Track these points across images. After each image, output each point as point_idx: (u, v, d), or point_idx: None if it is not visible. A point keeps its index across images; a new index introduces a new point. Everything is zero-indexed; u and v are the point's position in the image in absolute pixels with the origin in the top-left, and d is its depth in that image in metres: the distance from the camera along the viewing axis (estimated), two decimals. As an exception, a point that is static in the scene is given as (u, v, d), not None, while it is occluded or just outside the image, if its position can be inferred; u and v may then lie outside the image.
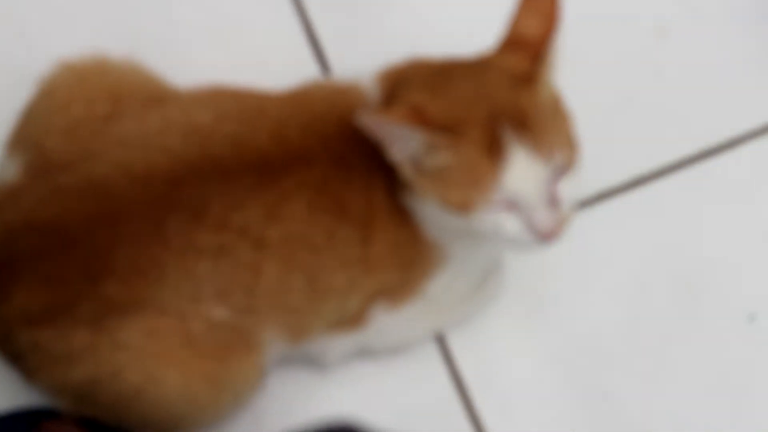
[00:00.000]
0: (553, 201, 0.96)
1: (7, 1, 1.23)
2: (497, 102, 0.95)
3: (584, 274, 1.21)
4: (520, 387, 1.18)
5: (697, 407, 1.18)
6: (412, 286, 1.07)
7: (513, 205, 0.96)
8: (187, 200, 0.97)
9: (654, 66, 1.28)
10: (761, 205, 1.25)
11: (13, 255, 0.99)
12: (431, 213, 1.00)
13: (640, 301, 1.21)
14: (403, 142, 0.95)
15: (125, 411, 1.01)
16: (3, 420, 1.10)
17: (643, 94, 1.27)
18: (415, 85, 0.99)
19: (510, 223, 0.97)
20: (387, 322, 1.09)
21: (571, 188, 0.98)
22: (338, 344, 1.10)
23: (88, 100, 1.03)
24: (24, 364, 1.02)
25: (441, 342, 1.18)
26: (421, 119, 0.94)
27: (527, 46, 0.97)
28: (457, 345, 1.18)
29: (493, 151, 0.94)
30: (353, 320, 1.08)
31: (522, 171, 0.94)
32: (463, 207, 0.96)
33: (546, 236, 0.97)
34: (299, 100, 1.04)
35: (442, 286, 1.08)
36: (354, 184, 1.01)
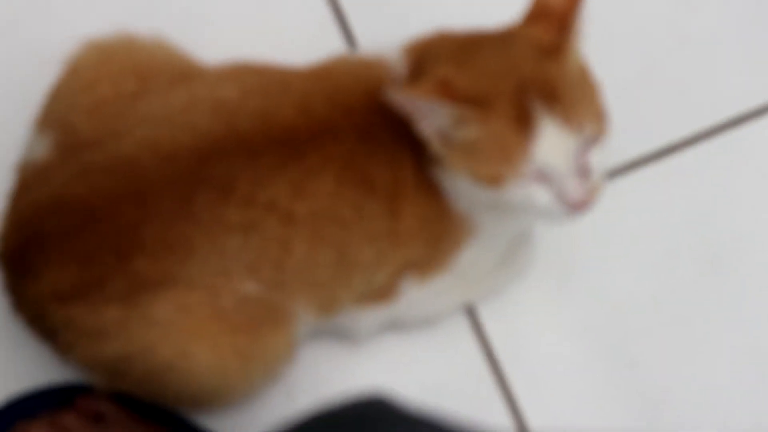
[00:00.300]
0: (583, 171, 0.96)
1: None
2: (525, 74, 0.95)
3: (612, 245, 1.21)
4: (549, 358, 1.18)
5: (724, 378, 1.18)
6: (441, 259, 1.07)
7: (544, 177, 0.96)
8: (214, 176, 0.98)
9: (680, 34, 1.27)
10: (792, 175, 1.25)
11: (42, 233, 1.00)
12: (460, 186, 1.00)
13: (669, 271, 1.21)
14: (431, 117, 0.95)
15: (158, 386, 1.02)
16: (38, 395, 1.11)
17: (670, 63, 1.26)
18: (442, 59, 0.99)
19: (541, 195, 0.97)
20: (416, 296, 1.09)
21: (601, 158, 0.97)
22: (368, 318, 1.11)
23: (115, 79, 1.03)
24: (57, 341, 1.03)
25: (471, 314, 1.19)
26: (449, 93, 0.94)
27: (553, 17, 0.97)
28: (486, 317, 1.18)
29: (523, 123, 0.94)
30: (383, 294, 1.08)
31: (552, 143, 0.94)
32: (494, 180, 0.96)
33: (577, 207, 0.97)
34: (325, 74, 1.04)
35: (470, 259, 1.08)
36: (381, 158, 1.01)
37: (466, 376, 1.18)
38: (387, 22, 1.25)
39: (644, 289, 1.20)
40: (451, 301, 1.15)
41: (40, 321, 1.03)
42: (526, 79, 0.95)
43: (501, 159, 0.95)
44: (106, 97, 1.02)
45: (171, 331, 0.99)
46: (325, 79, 1.03)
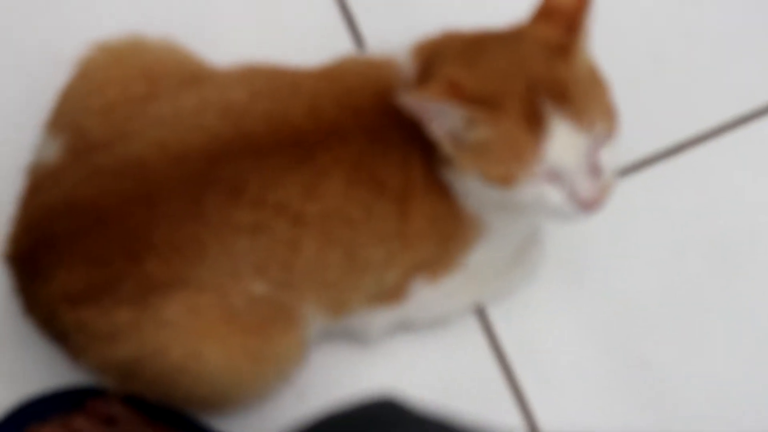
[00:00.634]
0: (594, 170, 0.96)
1: (42, -16, 1.25)
2: (534, 74, 0.95)
3: (622, 243, 1.21)
4: (559, 358, 1.18)
5: (736, 376, 1.18)
6: (451, 260, 1.07)
7: (555, 176, 0.96)
8: (224, 178, 0.98)
9: (689, 32, 1.27)
10: (802, 172, 1.24)
11: (53, 235, 1.00)
12: (471, 186, 1.00)
13: (679, 269, 1.21)
14: (442, 118, 0.95)
15: (169, 388, 1.02)
16: (50, 398, 1.11)
17: (679, 61, 1.26)
18: (450, 59, 0.99)
19: (553, 194, 0.97)
20: (427, 296, 1.09)
21: (611, 156, 0.97)
22: (379, 319, 1.11)
23: (125, 81, 1.03)
24: (69, 344, 1.03)
25: (481, 315, 1.19)
26: (458, 94, 0.94)
27: (561, 16, 0.97)
28: (497, 317, 1.18)
29: (534, 123, 0.94)
30: (393, 295, 1.08)
31: (563, 142, 0.94)
32: (506, 180, 0.96)
33: (589, 205, 0.97)
34: (334, 75, 1.04)
35: (481, 259, 1.08)
36: (390, 159, 1.01)
37: (476, 376, 1.18)
38: (395, 23, 1.25)
39: (654, 288, 1.20)
40: (461, 302, 1.15)
41: (51, 323, 1.03)
42: (536, 78, 0.95)
43: (512, 159, 0.95)
44: (116, 100, 1.02)
45: (182, 333, 0.99)
46: (334, 80, 1.03)
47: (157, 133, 0.99)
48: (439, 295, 1.10)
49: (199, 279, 0.99)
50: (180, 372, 1.00)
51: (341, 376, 1.16)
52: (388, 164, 1.01)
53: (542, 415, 1.17)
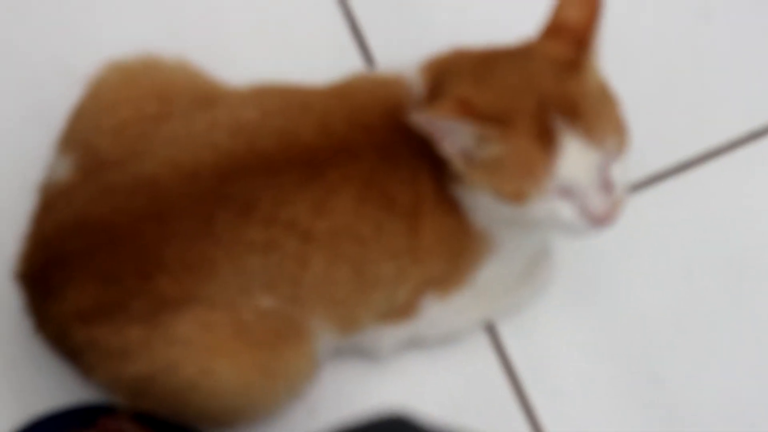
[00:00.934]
0: (606, 186, 0.97)
1: (56, 3, 1.25)
2: (545, 90, 0.95)
3: (633, 259, 1.21)
4: (570, 374, 1.18)
5: (748, 391, 1.18)
6: (461, 276, 1.07)
7: (567, 192, 0.96)
8: (236, 196, 0.98)
9: (698, 49, 1.27)
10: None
11: (65, 253, 1.00)
12: (481, 202, 1.00)
13: (690, 284, 1.21)
14: (453, 136, 0.95)
15: (181, 404, 1.02)
16: (61, 416, 1.12)
17: (688, 78, 1.26)
18: (460, 76, 0.99)
19: (565, 211, 0.97)
20: (437, 312, 1.09)
21: (622, 172, 0.98)
22: (389, 335, 1.11)
23: (137, 100, 1.04)
24: (80, 361, 1.03)
25: (491, 331, 1.19)
26: (470, 112, 0.94)
27: (571, 33, 0.98)
28: (507, 333, 1.18)
29: (545, 140, 0.94)
30: (403, 311, 1.08)
31: (575, 159, 0.94)
32: (518, 197, 0.96)
33: (601, 221, 0.97)
34: (344, 93, 1.04)
35: (491, 275, 1.08)
36: (400, 176, 1.01)
37: (486, 392, 1.18)
38: (405, 41, 1.26)
39: (665, 303, 1.20)
40: (471, 318, 1.15)
41: (63, 341, 1.03)
42: (547, 95, 0.95)
43: (524, 176, 0.95)
44: (128, 119, 1.03)
45: (193, 349, 0.99)
46: (345, 98, 1.03)
47: (168, 152, 1.00)
48: (449, 312, 1.10)
49: (210, 296, 0.99)
50: (191, 388, 1.01)
51: (352, 393, 1.16)
52: (398, 181, 1.01)
53: (552, 430, 1.17)
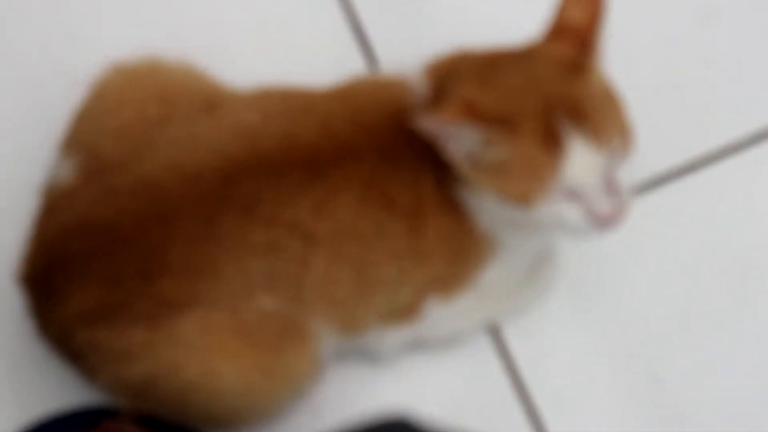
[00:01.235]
0: (611, 187, 0.97)
1: (57, 5, 1.25)
2: (550, 92, 0.95)
3: (637, 260, 1.21)
4: (574, 375, 1.18)
5: (748, 393, 1.18)
6: (464, 277, 1.07)
7: (572, 195, 0.96)
8: (238, 197, 0.99)
9: (700, 51, 1.27)
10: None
11: (68, 256, 1.00)
12: (485, 204, 1.00)
13: (693, 287, 1.21)
14: (459, 139, 0.95)
15: (184, 406, 1.03)
16: (64, 419, 1.12)
17: (691, 80, 1.26)
18: (465, 79, 0.99)
19: (570, 212, 0.97)
20: (440, 314, 1.09)
21: (627, 173, 0.98)
22: (392, 337, 1.11)
23: (140, 102, 1.04)
24: (84, 364, 1.04)
25: (494, 332, 1.19)
26: (475, 115, 0.94)
27: (574, 34, 0.98)
28: (510, 334, 1.19)
29: (551, 143, 0.94)
30: (406, 312, 1.08)
31: (581, 161, 0.94)
32: (524, 200, 0.96)
33: (607, 223, 0.97)
34: (346, 95, 1.04)
35: (494, 276, 1.08)
36: (402, 177, 1.01)
37: (489, 394, 1.18)
38: (408, 43, 1.26)
39: (669, 306, 1.20)
40: (474, 320, 1.15)
41: (66, 344, 1.03)
42: (552, 97, 0.95)
43: (530, 178, 0.95)
44: (131, 121, 1.03)
45: (196, 351, 1.00)
46: (347, 99, 1.03)
47: (171, 154, 1.00)
48: (452, 313, 1.10)
49: (212, 297, 0.99)
50: (194, 390, 1.01)
51: (354, 394, 1.16)
52: (400, 182, 1.01)
53: (554, 431, 1.17)
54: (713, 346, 1.19)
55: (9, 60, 1.24)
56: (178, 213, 0.99)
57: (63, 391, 1.14)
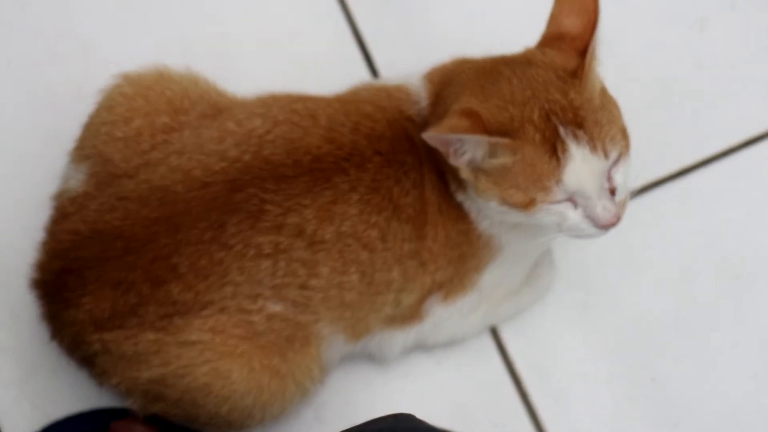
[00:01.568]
0: (610, 190, 0.98)
1: (67, 19, 1.26)
2: (550, 100, 0.96)
3: (633, 264, 1.22)
4: (573, 377, 1.19)
5: (747, 393, 1.19)
6: (466, 280, 1.09)
7: (573, 198, 0.98)
8: (245, 203, 1.00)
9: (695, 58, 1.28)
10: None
11: (80, 261, 1.02)
12: (486, 208, 1.02)
13: (689, 289, 1.22)
14: (463, 148, 0.97)
15: (194, 407, 1.04)
16: (74, 420, 1.13)
17: (684, 87, 1.27)
18: (464, 86, 1.01)
19: (572, 215, 0.98)
20: (443, 316, 1.11)
21: (625, 175, 0.99)
22: (396, 340, 1.12)
23: (149, 111, 1.06)
24: (95, 367, 1.05)
25: (495, 335, 1.20)
26: (479, 124, 0.95)
27: (570, 41, 0.99)
28: (510, 337, 1.20)
29: (553, 150, 0.96)
30: (410, 316, 1.10)
31: (582, 167, 0.96)
32: (526, 206, 0.97)
33: (607, 225, 0.99)
34: (350, 102, 1.06)
35: (495, 279, 1.10)
36: (405, 182, 1.03)
37: (491, 396, 1.19)
38: (407, 52, 1.26)
39: (665, 307, 1.21)
40: (476, 322, 1.16)
41: (78, 348, 1.05)
42: (551, 104, 0.96)
43: (533, 185, 0.96)
44: (140, 130, 1.05)
45: (205, 353, 1.01)
46: (350, 107, 1.05)
47: (180, 162, 1.02)
48: (455, 316, 1.11)
49: (221, 301, 1.01)
50: (203, 391, 1.03)
51: (358, 397, 1.18)
52: (403, 187, 1.03)
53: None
54: (709, 346, 1.20)
55: (22, 73, 1.25)
56: (187, 219, 1.01)
57: (75, 393, 1.16)
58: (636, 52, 1.27)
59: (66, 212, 1.05)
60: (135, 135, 1.05)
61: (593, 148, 0.96)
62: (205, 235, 1.00)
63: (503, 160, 0.97)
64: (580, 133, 0.96)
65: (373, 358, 1.16)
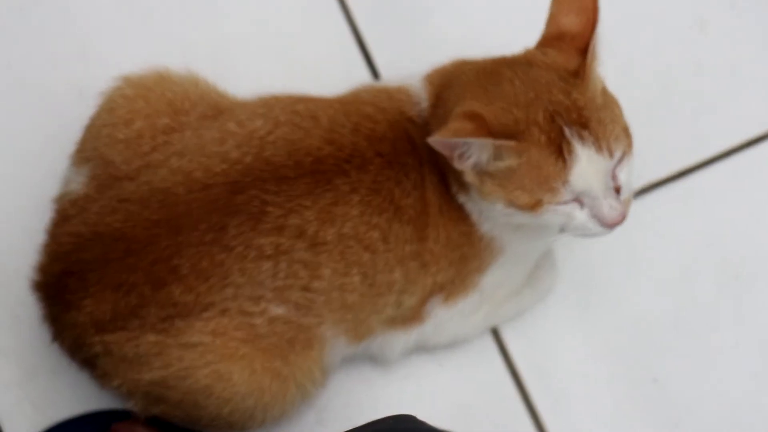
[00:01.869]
0: (615, 189, 0.98)
1: (67, 22, 1.27)
2: (553, 101, 0.96)
3: (634, 264, 1.22)
4: (574, 377, 1.20)
5: (748, 393, 1.20)
6: (468, 281, 1.09)
7: (580, 198, 0.98)
8: (246, 205, 1.01)
9: (695, 58, 1.28)
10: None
11: (81, 264, 1.02)
12: (490, 210, 1.01)
13: (690, 289, 1.22)
14: (469, 152, 0.97)
15: (195, 409, 1.04)
16: (76, 422, 1.14)
17: (686, 87, 1.27)
18: (465, 87, 1.01)
19: (578, 215, 0.98)
20: (444, 318, 1.11)
21: (628, 173, 0.99)
22: (397, 341, 1.13)
23: (149, 113, 1.06)
24: (96, 369, 1.05)
25: (496, 335, 1.20)
26: (485, 127, 0.95)
27: (570, 41, 0.99)
28: (511, 338, 1.20)
29: (559, 151, 0.96)
30: (411, 317, 1.10)
31: (588, 167, 0.96)
32: (533, 207, 0.98)
33: (613, 224, 0.99)
34: (350, 104, 1.06)
35: (496, 280, 1.10)
36: (406, 183, 1.03)
37: (492, 397, 1.19)
38: (407, 53, 1.27)
39: (666, 308, 1.21)
40: (477, 323, 1.16)
41: (79, 350, 1.05)
42: (555, 105, 0.96)
43: (539, 186, 0.97)
44: (141, 131, 1.05)
45: (206, 355, 1.01)
46: (351, 108, 1.05)
47: (181, 163, 1.02)
48: (456, 317, 1.12)
49: (222, 303, 1.01)
50: (204, 393, 1.03)
51: (360, 398, 1.18)
52: (405, 188, 1.03)
53: (557, 432, 1.19)
54: (709, 346, 1.21)
55: (23, 75, 1.25)
56: (188, 221, 1.01)
57: (77, 396, 1.16)
58: (636, 52, 1.27)
59: (67, 215, 1.05)
60: (136, 137, 1.05)
61: (598, 148, 0.96)
62: (206, 237, 1.00)
63: (509, 162, 0.97)
64: (585, 133, 0.96)
65: (375, 360, 1.16)
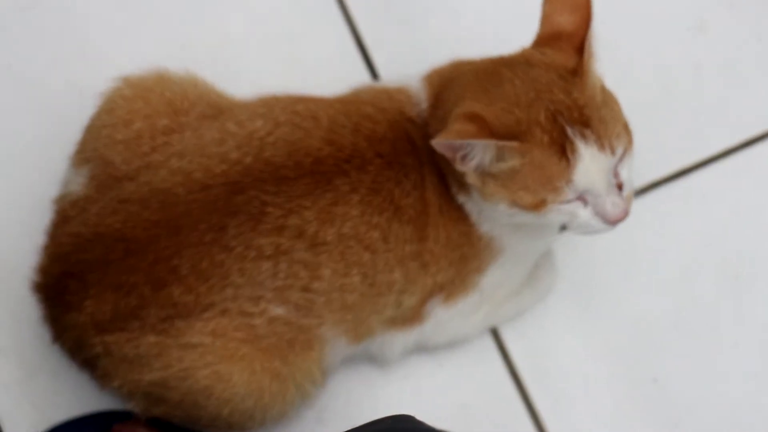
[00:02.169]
0: (617, 186, 0.99)
1: (66, 22, 1.27)
2: (554, 100, 0.96)
3: (633, 265, 1.23)
4: (574, 377, 1.20)
5: (748, 393, 1.20)
6: (468, 281, 1.09)
7: (583, 197, 0.98)
8: (246, 205, 1.01)
9: (695, 59, 1.29)
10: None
11: (81, 265, 1.03)
12: (491, 211, 1.01)
13: (690, 289, 1.22)
14: (471, 153, 0.97)
15: (195, 409, 1.05)
16: (77, 423, 1.14)
17: (685, 87, 1.28)
18: (465, 88, 1.01)
19: (582, 214, 0.99)
20: (444, 318, 1.11)
21: (629, 170, 1.00)
22: (397, 341, 1.13)
23: (149, 114, 1.06)
24: (97, 370, 1.05)
25: (496, 336, 1.20)
26: (487, 129, 0.95)
27: (566, 39, 0.99)
28: (511, 338, 1.20)
29: (562, 150, 0.96)
30: (411, 317, 1.10)
31: (591, 165, 0.96)
32: (537, 207, 0.98)
33: (616, 221, 0.99)
34: (350, 104, 1.06)
35: (496, 280, 1.10)
36: (406, 183, 1.03)
37: (492, 397, 1.19)
38: (406, 54, 1.27)
39: (666, 308, 1.22)
40: (477, 323, 1.16)
41: (79, 350, 1.05)
42: (556, 104, 0.96)
43: (543, 186, 0.97)
44: (140, 132, 1.05)
45: (206, 356, 1.02)
46: (351, 109, 1.05)
47: (180, 164, 1.02)
48: (456, 317, 1.12)
49: (222, 303, 1.01)
50: (204, 393, 1.03)
51: (360, 398, 1.18)
52: (404, 189, 1.03)
53: (557, 433, 1.19)
54: (709, 346, 1.21)
55: (23, 76, 1.25)
56: (188, 221, 1.01)
57: (77, 396, 1.16)
58: (636, 52, 1.27)
59: (67, 215, 1.05)
60: (135, 137, 1.05)
61: (601, 146, 0.96)
62: (205, 237, 1.01)
63: (511, 163, 0.97)
64: (587, 132, 0.96)
65: (375, 360, 1.16)
